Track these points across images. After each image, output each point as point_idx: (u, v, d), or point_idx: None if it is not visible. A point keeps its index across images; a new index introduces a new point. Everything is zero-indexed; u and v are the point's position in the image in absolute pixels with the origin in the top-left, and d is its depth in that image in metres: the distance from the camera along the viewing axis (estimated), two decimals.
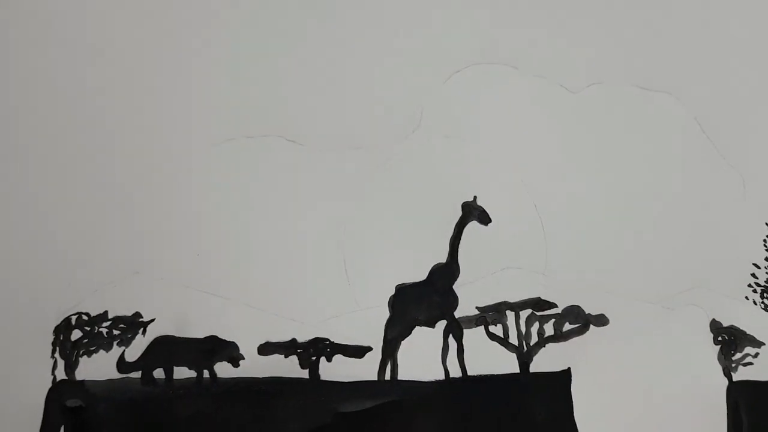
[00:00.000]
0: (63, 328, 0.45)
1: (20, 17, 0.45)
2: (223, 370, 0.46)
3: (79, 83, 0.45)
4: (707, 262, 0.55)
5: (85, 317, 0.46)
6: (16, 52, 0.45)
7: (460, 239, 0.52)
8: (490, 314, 0.51)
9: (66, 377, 0.44)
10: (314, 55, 0.49)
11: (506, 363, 0.51)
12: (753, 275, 0.56)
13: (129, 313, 0.45)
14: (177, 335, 0.47)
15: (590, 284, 0.53)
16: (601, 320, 0.53)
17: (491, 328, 0.51)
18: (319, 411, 0.47)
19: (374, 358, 0.49)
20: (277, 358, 0.49)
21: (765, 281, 0.56)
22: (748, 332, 0.56)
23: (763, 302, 0.56)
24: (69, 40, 0.45)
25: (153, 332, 0.45)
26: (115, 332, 0.45)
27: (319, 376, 0.48)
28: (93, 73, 0.45)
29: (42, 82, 0.45)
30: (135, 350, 0.45)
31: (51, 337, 0.45)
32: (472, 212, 0.50)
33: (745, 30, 0.59)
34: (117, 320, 0.46)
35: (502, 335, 0.50)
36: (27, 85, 0.45)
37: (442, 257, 0.51)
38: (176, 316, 0.46)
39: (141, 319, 0.45)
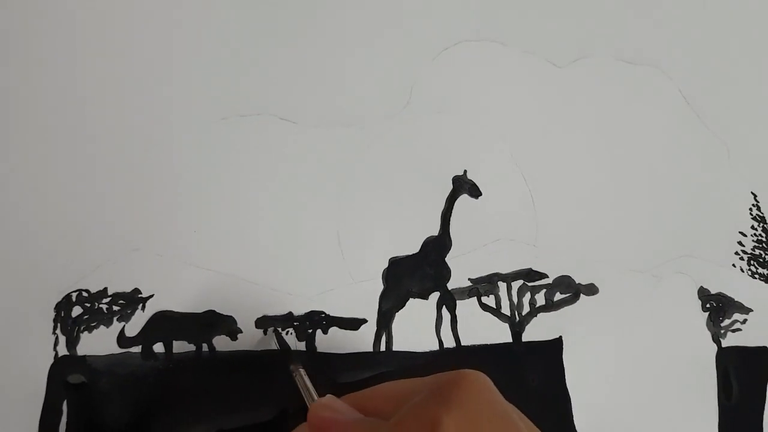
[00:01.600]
0: (64, 305, 0.46)
1: None
2: (222, 343, 0.47)
3: (74, 60, 0.46)
4: (694, 230, 0.55)
5: (85, 294, 0.46)
6: (6, 32, 0.46)
7: (451, 212, 0.53)
8: (483, 285, 0.51)
9: (68, 353, 0.45)
10: (304, 34, 0.50)
11: (499, 333, 0.52)
12: (740, 243, 0.57)
13: (128, 290, 0.46)
14: (176, 310, 0.48)
15: (580, 254, 0.53)
16: (591, 289, 0.53)
17: (484, 299, 0.52)
18: (317, 382, 0.48)
19: (369, 330, 0.50)
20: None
21: (751, 249, 0.57)
22: (735, 299, 0.56)
23: (750, 269, 0.57)
24: (57, 17, 0.46)
25: (152, 307, 0.46)
26: (115, 308, 0.45)
27: (315, 348, 0.49)
28: (89, 51, 0.46)
29: (38, 61, 0.45)
30: (135, 326, 0.45)
31: (53, 314, 0.46)
32: (463, 186, 0.52)
33: (730, 2, 0.60)
34: (116, 296, 0.46)
35: (494, 306, 0.51)
36: (24, 64, 0.45)
37: (434, 230, 0.52)
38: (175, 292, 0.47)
39: (140, 295, 0.46)
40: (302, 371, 0.44)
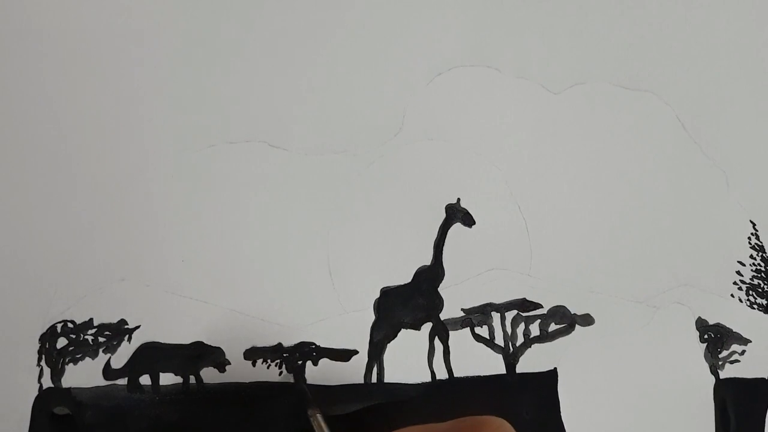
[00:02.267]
0: (49, 336, 0.45)
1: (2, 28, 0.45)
2: (210, 375, 0.47)
3: (60, 88, 0.45)
4: (692, 260, 0.54)
5: (70, 325, 0.45)
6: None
7: (444, 241, 0.51)
8: (476, 316, 0.51)
9: (53, 385, 0.44)
10: (296, 60, 0.49)
11: (493, 364, 0.52)
12: (738, 273, 0.56)
13: (115, 320, 0.45)
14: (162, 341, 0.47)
15: (575, 284, 0.52)
16: (587, 320, 0.52)
17: (477, 330, 0.51)
18: (307, 415, 0.47)
19: (360, 361, 0.49)
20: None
21: (750, 278, 0.56)
22: (734, 330, 0.56)
23: (748, 299, 0.56)
24: (49, 43, 0.46)
25: (139, 339, 0.45)
26: (101, 339, 0.45)
27: (305, 380, 0.48)
28: (74, 78, 0.45)
29: (22, 89, 0.45)
30: (121, 357, 0.44)
31: (37, 345, 0.45)
32: (456, 214, 0.51)
33: (728, 28, 0.59)
34: (102, 327, 0.45)
35: (488, 336, 0.50)
36: (6, 92, 0.45)
37: (427, 260, 0.51)
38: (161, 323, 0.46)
39: (126, 326, 0.45)
40: (319, 416, 0.44)
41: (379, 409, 0.49)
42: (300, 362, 0.49)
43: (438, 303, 0.51)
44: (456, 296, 0.51)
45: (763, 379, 0.55)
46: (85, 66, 0.48)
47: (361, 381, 0.49)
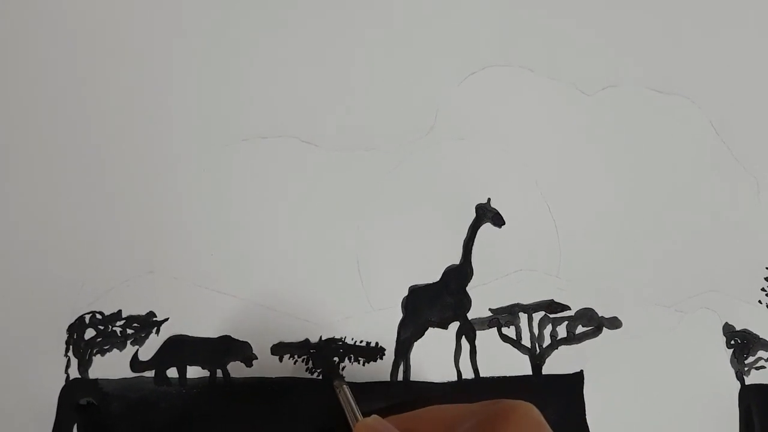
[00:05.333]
0: (77, 327, 0.45)
1: (15, 21, 0.45)
2: (237, 369, 0.46)
3: (90, 81, 0.45)
4: (721, 265, 0.54)
5: (99, 316, 0.45)
6: (16, 53, 0.45)
7: (473, 241, 0.51)
8: (503, 316, 0.50)
9: (79, 376, 0.44)
10: (328, 56, 0.49)
11: (519, 365, 0.52)
12: (766, 279, 0.55)
13: (143, 313, 0.45)
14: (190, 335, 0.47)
15: (603, 287, 0.52)
16: (614, 323, 0.52)
17: (504, 330, 0.51)
18: (332, 411, 0.47)
19: (387, 358, 0.49)
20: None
21: None
22: (761, 336, 0.54)
23: None
24: (81, 37, 0.45)
25: (167, 331, 0.45)
26: (129, 331, 0.45)
27: (335, 362, 0.48)
28: (104, 72, 0.45)
29: (51, 83, 0.45)
30: (148, 349, 0.44)
31: (65, 336, 0.45)
32: (486, 214, 0.51)
33: (762, 34, 0.58)
34: (131, 319, 0.45)
35: (514, 337, 0.50)
36: (35, 83, 0.45)
37: (456, 259, 0.50)
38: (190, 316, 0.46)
39: (155, 319, 0.45)
40: (346, 387, 0.43)
41: (404, 408, 0.48)
42: (327, 359, 0.49)
43: (466, 302, 0.51)
44: (484, 296, 0.51)
45: None
46: (116, 60, 0.48)
47: (388, 379, 0.49)
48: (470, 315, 0.51)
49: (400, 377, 0.49)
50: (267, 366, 0.48)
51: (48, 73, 0.48)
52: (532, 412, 0.33)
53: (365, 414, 0.40)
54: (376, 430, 0.36)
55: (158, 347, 0.47)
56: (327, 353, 0.49)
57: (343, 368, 0.49)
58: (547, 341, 0.51)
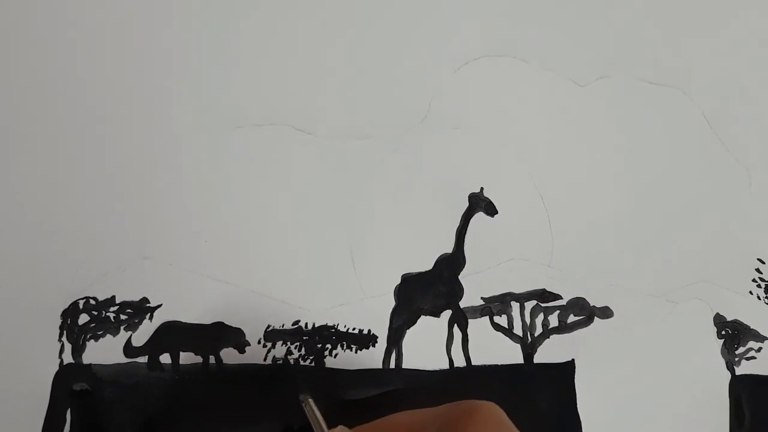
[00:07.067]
0: (71, 312, 0.45)
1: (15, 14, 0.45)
2: (229, 356, 0.47)
3: (87, 64, 0.45)
4: (712, 256, 0.54)
5: (92, 301, 0.45)
6: (16, 46, 0.45)
7: (466, 230, 0.51)
8: (495, 305, 0.51)
9: (73, 361, 0.44)
10: (322, 44, 0.49)
11: (510, 353, 0.50)
12: (757, 270, 0.55)
13: (137, 299, 0.45)
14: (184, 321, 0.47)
15: (595, 277, 0.52)
16: (606, 312, 0.52)
17: (496, 319, 0.51)
18: (324, 398, 0.47)
19: (379, 346, 0.49)
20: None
21: None
22: (751, 327, 0.54)
23: (767, 297, 0.57)
24: (76, 19, 0.45)
25: (160, 317, 0.45)
26: (123, 317, 0.45)
27: (324, 363, 0.48)
28: (101, 55, 0.45)
29: (51, 65, 0.45)
30: (142, 335, 0.45)
31: (59, 321, 0.45)
32: (479, 203, 0.51)
33: (755, 26, 0.59)
34: (124, 305, 0.45)
35: (506, 326, 0.51)
36: (36, 70, 0.45)
37: (448, 247, 0.50)
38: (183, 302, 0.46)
39: (148, 304, 0.45)
40: (311, 401, 0.43)
41: (395, 395, 0.49)
42: (319, 346, 0.49)
43: (458, 291, 0.51)
44: (476, 285, 0.51)
45: None
46: (112, 44, 0.48)
47: (380, 366, 0.49)
48: (462, 303, 0.51)
49: (392, 365, 0.49)
50: (259, 353, 0.48)
51: (41, 60, 0.48)
52: (495, 411, 0.33)
53: (332, 426, 0.40)
54: None
55: (152, 333, 0.48)
56: (319, 340, 0.49)
57: (336, 355, 0.49)
58: (538, 330, 0.52)
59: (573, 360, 0.52)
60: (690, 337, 0.54)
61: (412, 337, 0.50)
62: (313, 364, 0.49)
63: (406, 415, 0.36)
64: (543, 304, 0.52)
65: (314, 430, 0.41)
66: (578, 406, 0.51)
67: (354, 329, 0.49)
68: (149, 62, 0.49)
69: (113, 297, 0.47)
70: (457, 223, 0.51)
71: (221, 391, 0.47)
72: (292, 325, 0.49)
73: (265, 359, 0.48)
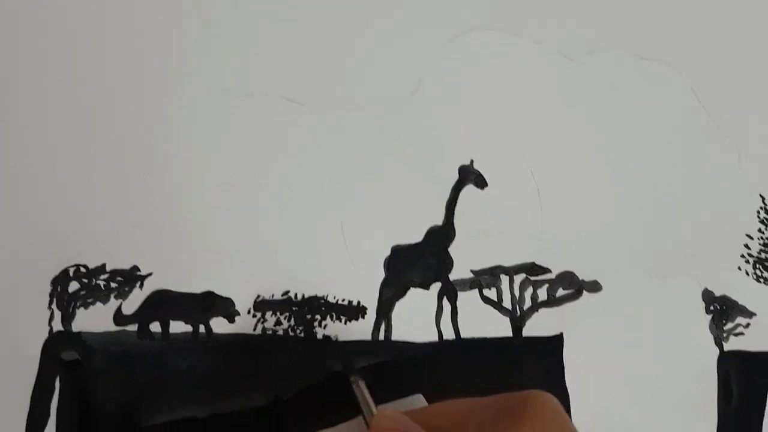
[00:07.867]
0: (60, 280, 0.45)
1: None
2: (219, 325, 0.47)
3: (78, 37, 0.45)
4: (701, 232, 0.55)
5: (83, 269, 0.45)
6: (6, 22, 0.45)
7: (456, 202, 0.51)
8: (485, 278, 0.51)
9: (63, 329, 0.44)
10: (314, 16, 0.49)
11: (500, 326, 0.51)
12: (746, 246, 0.55)
13: (127, 267, 0.45)
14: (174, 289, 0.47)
15: (584, 251, 0.52)
16: (595, 287, 0.52)
17: (485, 292, 0.51)
18: (313, 369, 0.48)
19: (368, 318, 0.49)
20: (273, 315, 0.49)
21: (758, 252, 0.56)
22: (739, 302, 0.54)
23: (755, 273, 0.55)
24: None
25: (150, 286, 0.45)
26: (113, 285, 0.45)
27: (314, 334, 0.48)
28: (91, 27, 0.45)
29: (36, 38, 0.45)
30: (132, 303, 0.45)
31: (48, 288, 0.45)
32: (469, 176, 0.51)
33: (747, 2, 0.59)
34: (115, 273, 0.45)
35: (496, 299, 0.51)
36: (22, 44, 0.45)
37: (438, 220, 0.51)
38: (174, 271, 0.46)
39: (138, 273, 0.45)
40: (362, 383, 0.43)
41: (385, 367, 0.49)
42: (309, 316, 0.49)
43: (448, 263, 0.51)
44: (466, 257, 0.51)
45: (766, 352, 0.55)
46: (102, 16, 0.48)
47: (369, 338, 0.49)
48: (452, 276, 0.51)
49: (381, 336, 0.49)
50: (249, 322, 0.48)
51: (37, 34, 0.48)
52: (550, 400, 0.33)
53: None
54: (395, 420, 0.36)
55: (142, 301, 0.48)
56: (309, 311, 0.49)
57: (325, 326, 0.49)
58: (527, 303, 0.52)
59: (561, 333, 0.52)
60: (678, 313, 0.54)
61: (401, 309, 0.50)
62: (302, 334, 0.49)
63: (458, 402, 0.36)
64: (532, 278, 0.52)
65: (363, 410, 0.41)
66: (566, 379, 0.52)
67: (343, 300, 0.50)
68: (141, 34, 0.49)
69: (104, 265, 0.47)
70: (447, 196, 0.51)
71: (211, 361, 0.48)
72: (282, 295, 0.49)
73: (254, 329, 0.48)
